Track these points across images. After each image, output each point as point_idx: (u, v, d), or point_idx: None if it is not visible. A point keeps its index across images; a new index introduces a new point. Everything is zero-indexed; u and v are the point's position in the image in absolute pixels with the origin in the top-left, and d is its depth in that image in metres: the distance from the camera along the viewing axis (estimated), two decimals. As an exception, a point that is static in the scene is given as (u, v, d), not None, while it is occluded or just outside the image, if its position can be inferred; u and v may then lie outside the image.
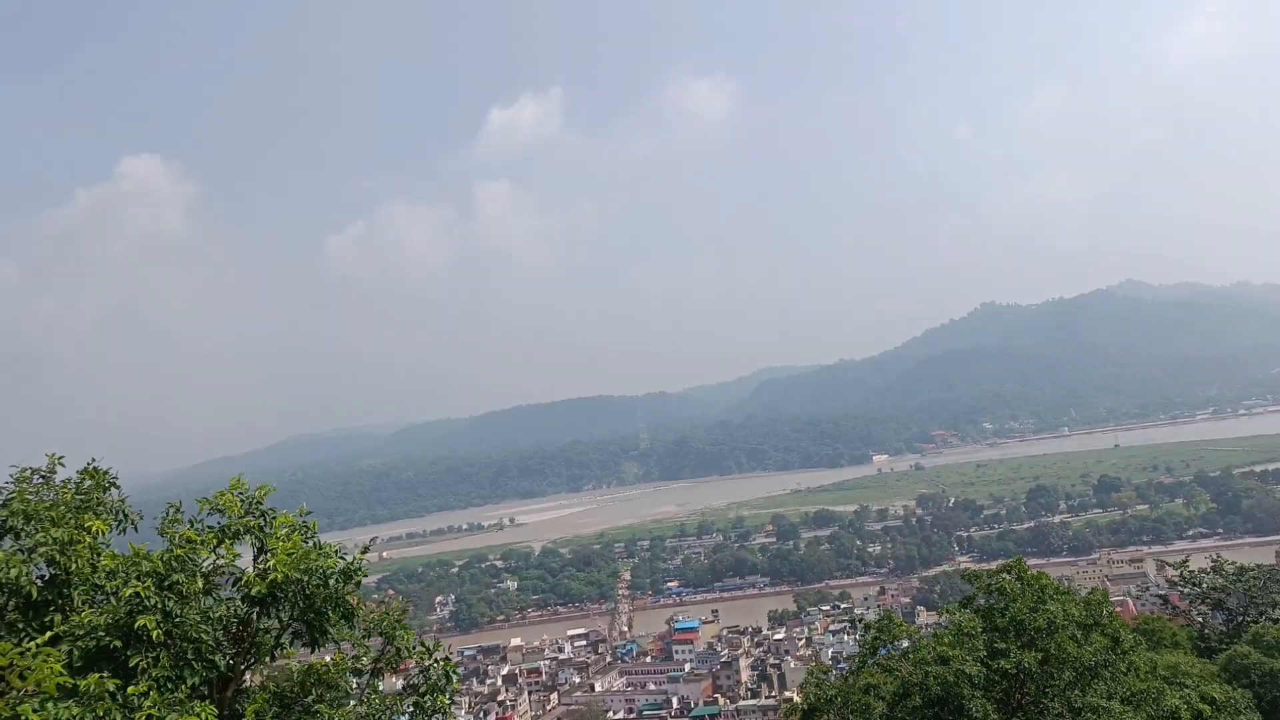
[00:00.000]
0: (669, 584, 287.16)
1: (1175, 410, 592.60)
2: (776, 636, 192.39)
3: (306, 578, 14.95)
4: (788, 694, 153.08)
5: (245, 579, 15.03)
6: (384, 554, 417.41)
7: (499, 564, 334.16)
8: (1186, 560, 64.35)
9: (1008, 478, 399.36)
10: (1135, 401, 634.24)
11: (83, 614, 14.03)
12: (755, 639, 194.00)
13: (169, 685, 13.55)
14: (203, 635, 14.38)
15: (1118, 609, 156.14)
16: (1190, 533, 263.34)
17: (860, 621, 30.74)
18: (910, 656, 22.89)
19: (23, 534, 15.02)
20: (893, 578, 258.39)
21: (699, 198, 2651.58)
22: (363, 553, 16.80)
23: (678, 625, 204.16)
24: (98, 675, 12.55)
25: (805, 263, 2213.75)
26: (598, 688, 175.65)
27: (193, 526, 15.72)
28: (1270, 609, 58.21)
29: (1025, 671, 21.52)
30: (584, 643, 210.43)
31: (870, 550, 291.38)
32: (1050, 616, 21.90)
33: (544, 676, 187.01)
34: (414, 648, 17.09)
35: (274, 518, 16.11)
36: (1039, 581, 23.79)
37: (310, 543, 15.82)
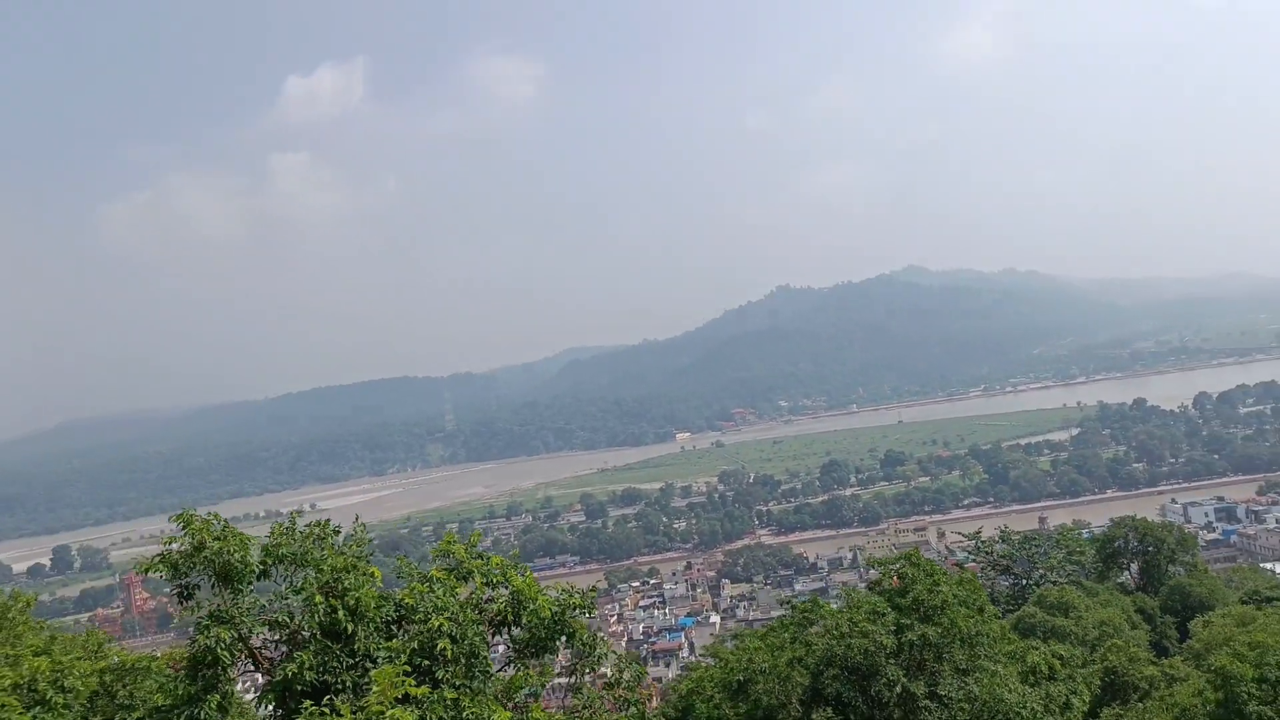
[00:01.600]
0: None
1: (951, 388, 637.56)
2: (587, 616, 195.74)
3: (560, 608, 20.20)
4: (602, 670, 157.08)
5: (497, 609, 19.97)
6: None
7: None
8: (979, 531, 71.26)
9: (802, 453, 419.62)
10: (916, 380, 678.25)
11: (391, 642, 18.20)
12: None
13: (468, 692, 17.70)
14: (484, 652, 18.67)
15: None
16: (966, 502, 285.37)
17: (788, 603, 34.06)
18: (831, 631, 26.04)
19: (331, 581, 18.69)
20: (698, 552, 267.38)
21: (505, 176, 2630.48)
22: (592, 591, 21.61)
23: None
24: (426, 686, 16.43)
25: (610, 244, 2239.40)
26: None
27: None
28: (1048, 573, 65.41)
29: (927, 642, 25.08)
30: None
31: (676, 526, 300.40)
32: (944, 596, 25.74)
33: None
34: (608, 654, 22.11)
35: (489, 558, 20.84)
36: (932, 567, 27.58)
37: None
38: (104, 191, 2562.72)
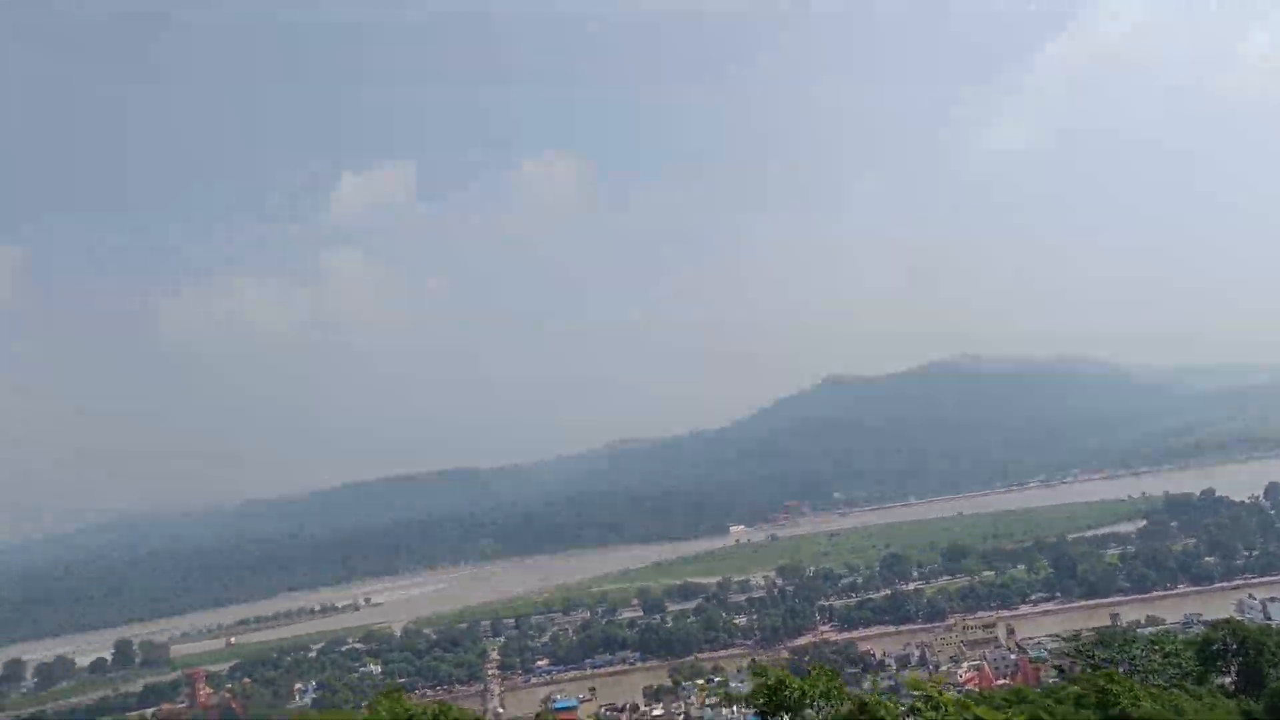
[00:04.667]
0: (539, 662, 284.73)
1: (1010, 479, 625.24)
2: (655, 713, 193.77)
3: None
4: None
5: None
6: (231, 639, 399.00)
7: (359, 646, 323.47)
8: (1079, 634, 71.36)
9: (860, 546, 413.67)
10: (974, 470, 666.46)
11: None
12: (634, 715, 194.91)
13: None
14: None
15: (974, 676, 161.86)
16: (1033, 597, 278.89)
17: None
18: None
19: None
20: (760, 648, 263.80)
21: (545, 271, 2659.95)
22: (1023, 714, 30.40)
23: (556, 704, 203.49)
24: None
25: (653, 335, 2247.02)
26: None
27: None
28: (1149, 676, 65.20)
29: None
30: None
31: (737, 621, 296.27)
32: (1146, 711, 27.85)
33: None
34: None
35: (943, 692, 25.33)
36: (1129, 684, 29.75)
37: None
38: (165, 289, 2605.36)
